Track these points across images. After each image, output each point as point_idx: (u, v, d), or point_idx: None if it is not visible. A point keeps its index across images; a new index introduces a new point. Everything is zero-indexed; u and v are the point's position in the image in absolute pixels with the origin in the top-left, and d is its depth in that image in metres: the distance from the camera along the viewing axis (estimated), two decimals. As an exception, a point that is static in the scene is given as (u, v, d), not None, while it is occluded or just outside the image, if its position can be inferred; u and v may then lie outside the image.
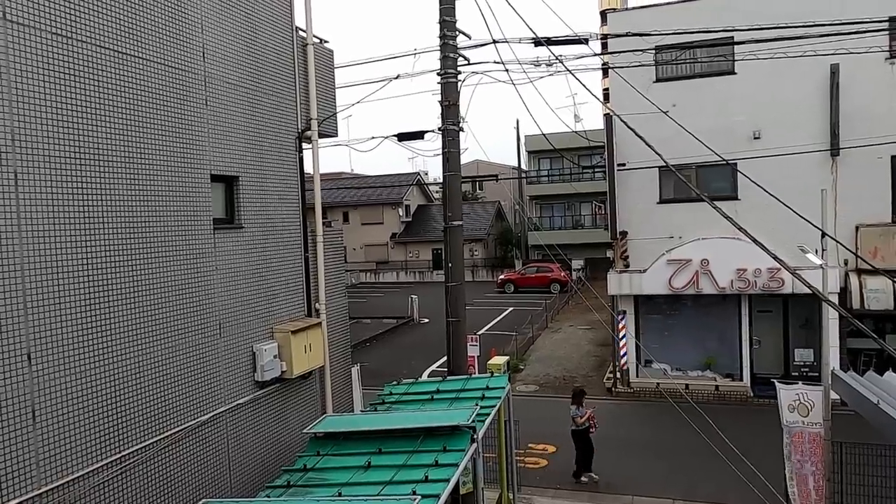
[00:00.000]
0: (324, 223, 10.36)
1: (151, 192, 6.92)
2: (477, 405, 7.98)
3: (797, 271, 7.89)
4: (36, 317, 5.56)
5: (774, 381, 10.00)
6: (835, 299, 14.00)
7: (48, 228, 5.72)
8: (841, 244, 11.16)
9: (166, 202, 7.12)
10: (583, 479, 11.74)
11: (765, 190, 7.53)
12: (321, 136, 10.25)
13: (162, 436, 6.91)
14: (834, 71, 14.54)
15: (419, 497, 5.49)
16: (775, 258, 5.04)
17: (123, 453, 6.39)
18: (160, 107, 7.09)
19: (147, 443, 6.70)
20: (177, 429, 7.13)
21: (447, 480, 6.18)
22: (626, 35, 12.51)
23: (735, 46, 14.80)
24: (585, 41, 10.65)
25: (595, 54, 13.14)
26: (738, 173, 14.19)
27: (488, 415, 8.19)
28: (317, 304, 9.94)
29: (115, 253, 6.42)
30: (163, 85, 7.14)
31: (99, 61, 6.32)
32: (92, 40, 6.24)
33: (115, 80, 6.50)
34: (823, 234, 8.41)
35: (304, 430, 8.05)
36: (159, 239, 6.99)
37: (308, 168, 9.98)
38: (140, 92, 6.82)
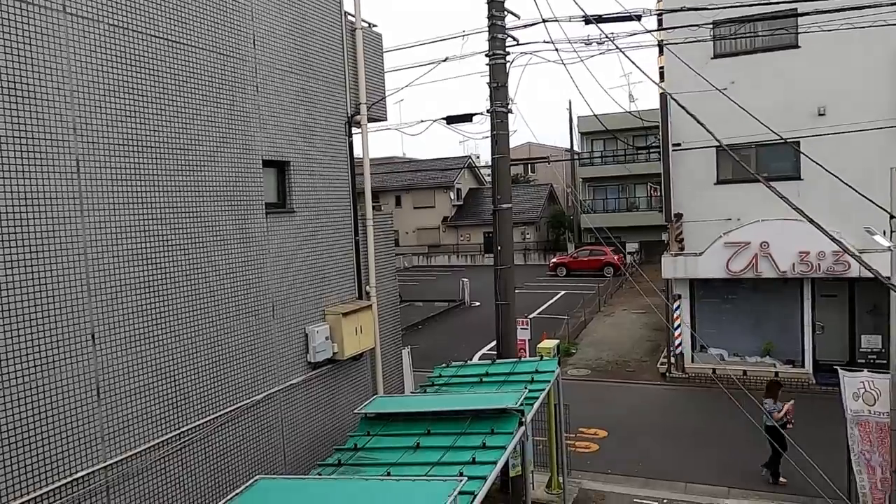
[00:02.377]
0: (374, 207, 10.45)
1: (206, 177, 7.10)
2: (525, 388, 7.97)
3: (864, 253, 7.54)
4: (99, 298, 5.81)
5: (838, 368, 9.61)
6: (905, 283, 13.31)
7: (109, 214, 5.94)
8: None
9: (220, 188, 7.30)
10: (781, 479, 10.60)
11: (826, 170, 7.19)
12: (370, 120, 10.32)
13: (218, 413, 7.15)
14: (906, 42, 13.72)
15: (466, 478, 5.51)
16: (836, 241, 4.81)
17: (183, 429, 6.65)
18: (213, 94, 7.25)
19: (204, 420, 6.94)
20: (232, 407, 7.37)
21: (494, 463, 6.20)
22: (682, 10, 12.07)
23: (798, 18, 14.11)
24: (638, 17, 10.35)
25: (648, 31, 12.76)
26: (800, 153, 13.61)
27: (537, 398, 8.16)
28: (367, 287, 10.06)
29: (172, 237, 6.63)
30: (215, 72, 7.30)
31: (154, 51, 6.50)
32: (147, 30, 6.42)
33: (169, 69, 6.68)
34: (892, 216, 7.99)
35: (355, 411, 8.20)
36: (214, 223, 7.19)
37: (358, 152, 10.07)
38: (193, 80, 6.99)
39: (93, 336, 5.74)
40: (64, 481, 5.43)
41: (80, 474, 5.56)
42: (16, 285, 5.14)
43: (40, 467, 5.27)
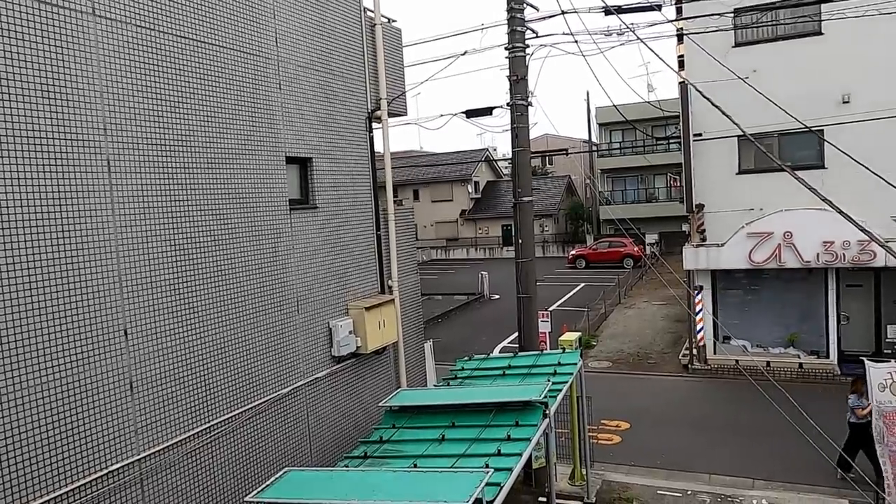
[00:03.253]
0: (395, 201, 10.52)
1: (231, 175, 7.21)
2: (549, 381, 7.99)
3: (890, 242, 7.45)
4: (130, 295, 5.94)
5: (863, 358, 9.52)
6: (933, 272, 13.13)
7: (139, 213, 6.07)
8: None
9: (245, 185, 7.40)
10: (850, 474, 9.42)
11: (852, 158, 7.12)
12: (391, 115, 10.37)
13: (246, 407, 7.28)
14: (933, 27, 13.46)
15: (492, 470, 5.58)
16: (862, 229, 4.78)
17: (212, 423, 6.78)
18: (237, 92, 7.35)
19: (233, 413, 7.08)
20: (260, 401, 7.49)
21: (520, 454, 6.25)
22: (702, -1, 11.96)
23: (822, 5, 13.91)
24: (659, 7, 10.29)
25: (669, 21, 12.66)
26: (825, 141, 13.44)
27: (560, 390, 8.19)
28: (389, 282, 10.14)
29: (199, 234, 6.75)
30: (239, 71, 7.39)
31: (179, 51, 6.60)
32: (173, 31, 6.52)
33: (194, 69, 6.78)
34: (919, 204, 7.88)
35: (380, 404, 8.29)
36: (239, 220, 7.30)
37: (378, 147, 10.14)
38: (218, 79, 7.09)
39: (125, 332, 5.88)
40: (100, 473, 5.58)
41: (115, 466, 5.71)
42: (52, 284, 5.27)
43: (78, 459, 5.42)
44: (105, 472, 5.62)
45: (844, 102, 14.41)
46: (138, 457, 5.93)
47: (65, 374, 5.34)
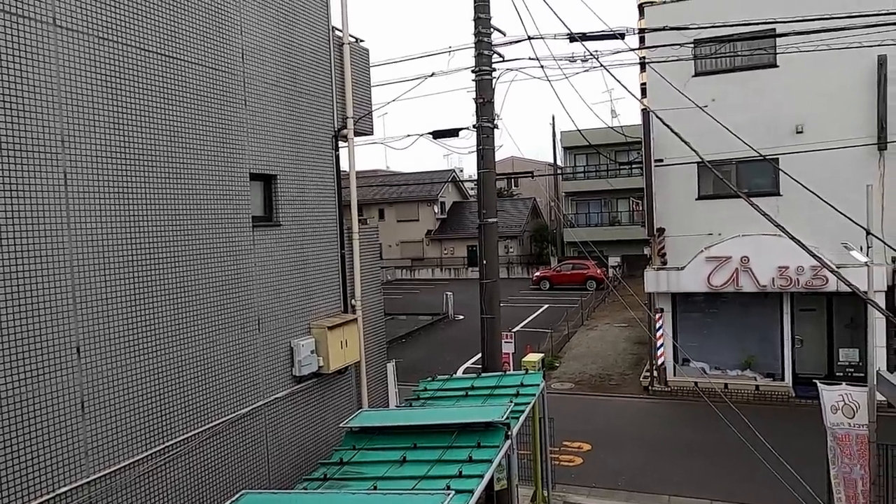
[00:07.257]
0: (360, 220, 10.48)
1: (193, 191, 7.10)
2: (511, 402, 8.00)
3: (841, 269, 7.71)
4: (84, 312, 5.77)
5: (817, 381, 9.77)
6: (881, 298, 13.60)
7: (95, 227, 5.92)
8: (887, 244, 10.78)
9: (207, 201, 7.30)
10: None
11: (803, 186, 7.37)
12: (357, 134, 10.37)
13: (204, 428, 7.10)
14: (881, 62, 14.08)
15: (453, 492, 5.53)
16: (815, 256, 4.93)
17: (168, 444, 6.59)
18: (201, 108, 7.27)
19: (190, 434, 6.89)
20: (217, 421, 7.32)
21: (481, 476, 6.22)
22: (664, 29, 12.32)
23: (777, 39, 14.45)
24: (622, 36, 10.54)
25: (632, 49, 12.98)
26: (780, 169, 13.89)
27: (522, 412, 8.20)
28: (353, 301, 10.06)
29: (159, 250, 6.61)
30: (203, 86, 7.32)
31: (143, 64, 6.51)
32: (136, 44, 6.43)
33: (158, 83, 6.69)
34: (868, 232, 8.18)
35: (341, 425, 8.17)
36: (201, 237, 7.18)
37: (344, 166, 10.11)
38: (182, 93, 7.01)
39: (78, 349, 5.70)
40: (46, 497, 5.35)
41: (62, 490, 5.49)
42: (0, 298, 5.09)
43: (23, 482, 5.20)
44: (52, 495, 5.40)
45: (798, 132, 14.94)
46: (88, 479, 5.72)
47: (11, 392, 5.14)
